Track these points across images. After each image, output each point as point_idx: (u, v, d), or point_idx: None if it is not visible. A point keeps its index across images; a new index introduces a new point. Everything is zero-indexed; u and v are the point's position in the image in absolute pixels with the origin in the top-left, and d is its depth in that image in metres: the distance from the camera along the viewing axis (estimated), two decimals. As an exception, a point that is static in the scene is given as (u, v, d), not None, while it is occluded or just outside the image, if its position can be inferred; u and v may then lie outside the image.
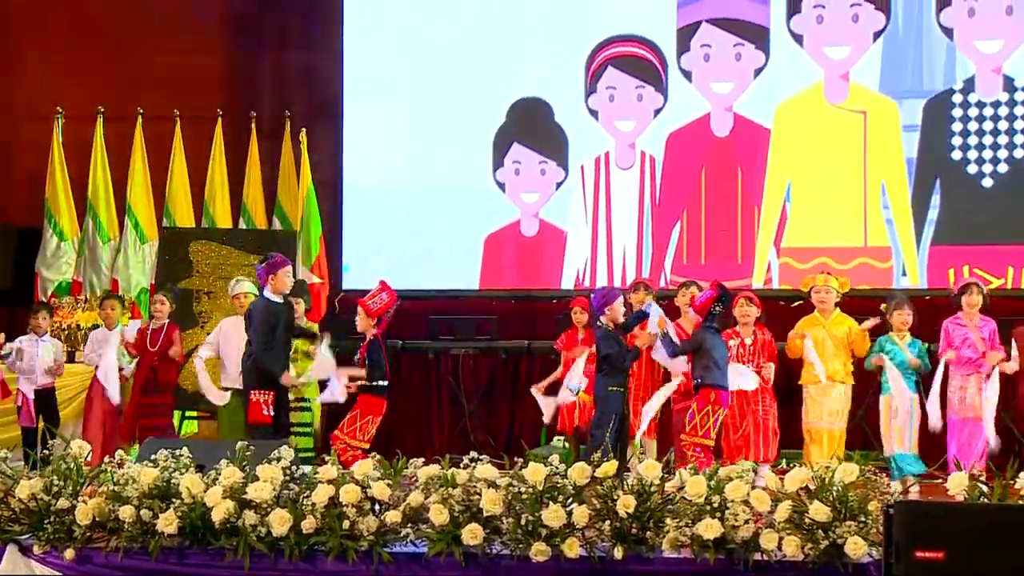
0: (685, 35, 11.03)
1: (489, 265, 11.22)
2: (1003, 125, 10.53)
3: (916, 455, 8.01)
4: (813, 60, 10.86)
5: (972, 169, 10.56)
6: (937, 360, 8.16)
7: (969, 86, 10.58)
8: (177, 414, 9.53)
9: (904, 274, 10.53)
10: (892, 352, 8.11)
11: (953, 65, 10.64)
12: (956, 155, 10.58)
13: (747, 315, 8.29)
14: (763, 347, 8.23)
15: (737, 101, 10.97)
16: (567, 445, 8.97)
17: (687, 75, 11.04)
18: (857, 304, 9.26)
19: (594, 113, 11.22)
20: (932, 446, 8.21)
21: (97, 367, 8.74)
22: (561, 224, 11.25)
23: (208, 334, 9.34)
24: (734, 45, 10.96)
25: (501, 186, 11.29)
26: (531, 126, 11.31)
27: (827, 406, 8.18)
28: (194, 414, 9.90)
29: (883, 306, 8.34)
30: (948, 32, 10.61)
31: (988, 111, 10.54)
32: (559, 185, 11.26)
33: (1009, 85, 10.53)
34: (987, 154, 10.54)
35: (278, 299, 7.97)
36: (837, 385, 8.23)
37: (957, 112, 10.59)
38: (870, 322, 8.25)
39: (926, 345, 8.33)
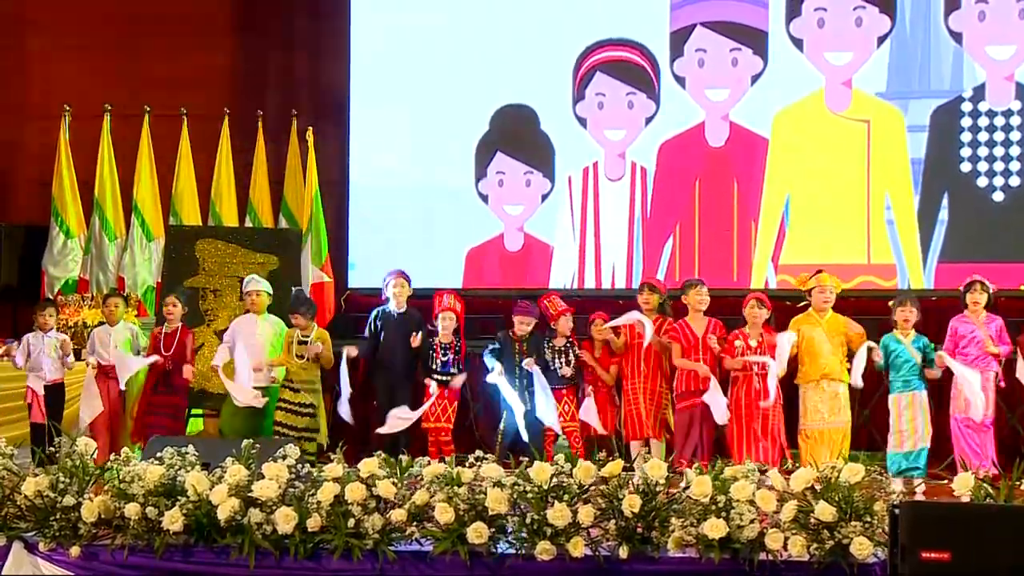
0: (679, 39, 10.76)
1: (471, 280, 10.94)
2: (1015, 135, 10.24)
3: (919, 453, 7.99)
4: (814, 66, 10.59)
5: (982, 182, 10.27)
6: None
7: (979, 94, 10.30)
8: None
9: (910, 293, 10.31)
10: (897, 351, 8.12)
11: (961, 71, 10.35)
12: (965, 167, 10.30)
13: (757, 316, 8.25)
14: (769, 349, 8.20)
15: (733, 109, 10.69)
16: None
17: (680, 81, 10.77)
18: (864, 304, 9.24)
19: (582, 121, 10.94)
20: (939, 445, 8.21)
21: (99, 364, 8.75)
22: (547, 238, 10.98)
23: (214, 332, 9.38)
24: (730, 50, 10.69)
25: (484, 198, 11.04)
26: (516, 134, 11.02)
27: (825, 404, 8.17)
28: (199, 412, 9.90)
29: (891, 303, 8.35)
30: (957, 37, 10.34)
31: (999, 120, 10.27)
32: (545, 197, 11.00)
33: (1022, 93, 10.24)
34: (998, 166, 10.26)
35: (392, 308, 8.86)
36: (833, 383, 8.22)
37: (966, 121, 10.31)
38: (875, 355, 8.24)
39: (932, 345, 8.30)
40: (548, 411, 8.32)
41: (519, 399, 8.41)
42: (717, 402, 8.05)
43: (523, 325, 8.69)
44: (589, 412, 8.45)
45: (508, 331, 8.77)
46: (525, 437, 8.20)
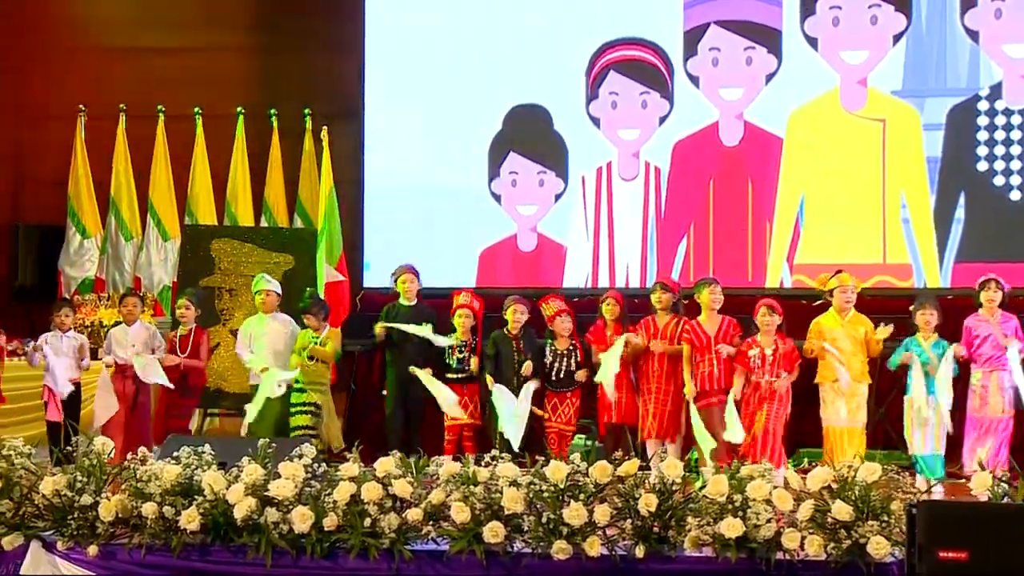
0: (692, 38, 10.63)
1: (485, 280, 10.81)
2: (1032, 134, 10.14)
3: (940, 456, 7.99)
4: (828, 65, 10.44)
5: (999, 181, 10.11)
6: (959, 360, 8.11)
7: (996, 92, 10.14)
8: (199, 412, 9.56)
9: (926, 293, 10.14)
10: (917, 352, 8.11)
11: (978, 69, 10.20)
12: (982, 166, 10.14)
13: (769, 323, 8.14)
14: (784, 357, 8.14)
15: (747, 108, 10.55)
16: (589, 443, 8.93)
17: (694, 80, 10.64)
18: (880, 304, 9.20)
19: (595, 120, 10.82)
20: (955, 444, 8.18)
21: (116, 363, 8.78)
22: (560, 238, 10.87)
23: (230, 331, 9.41)
24: (744, 49, 10.55)
25: (497, 198, 10.95)
26: (529, 134, 10.91)
27: (846, 405, 8.14)
28: (216, 411, 9.93)
29: (911, 307, 8.31)
30: (973, 35, 10.20)
31: (1016, 119, 10.11)
32: (558, 197, 10.88)
33: (1040, 92, 10.09)
34: (1015, 165, 10.10)
35: (404, 302, 8.93)
36: (855, 384, 8.19)
37: (983, 120, 10.15)
38: (885, 331, 8.19)
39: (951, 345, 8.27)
40: (516, 428, 8.13)
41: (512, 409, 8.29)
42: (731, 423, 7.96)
43: (518, 315, 8.64)
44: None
45: (502, 330, 8.68)
46: (515, 446, 8.03)
